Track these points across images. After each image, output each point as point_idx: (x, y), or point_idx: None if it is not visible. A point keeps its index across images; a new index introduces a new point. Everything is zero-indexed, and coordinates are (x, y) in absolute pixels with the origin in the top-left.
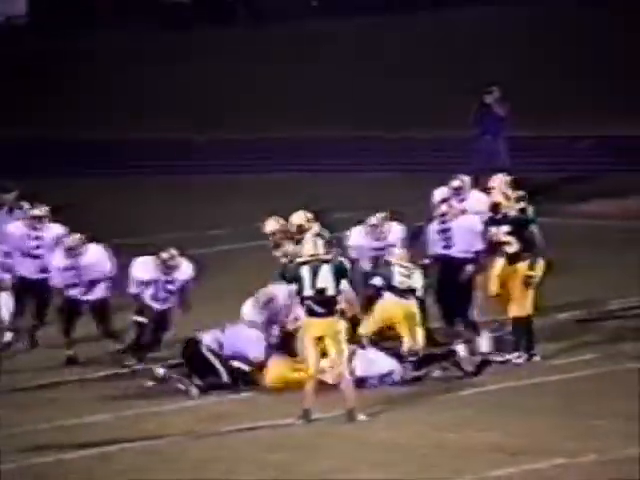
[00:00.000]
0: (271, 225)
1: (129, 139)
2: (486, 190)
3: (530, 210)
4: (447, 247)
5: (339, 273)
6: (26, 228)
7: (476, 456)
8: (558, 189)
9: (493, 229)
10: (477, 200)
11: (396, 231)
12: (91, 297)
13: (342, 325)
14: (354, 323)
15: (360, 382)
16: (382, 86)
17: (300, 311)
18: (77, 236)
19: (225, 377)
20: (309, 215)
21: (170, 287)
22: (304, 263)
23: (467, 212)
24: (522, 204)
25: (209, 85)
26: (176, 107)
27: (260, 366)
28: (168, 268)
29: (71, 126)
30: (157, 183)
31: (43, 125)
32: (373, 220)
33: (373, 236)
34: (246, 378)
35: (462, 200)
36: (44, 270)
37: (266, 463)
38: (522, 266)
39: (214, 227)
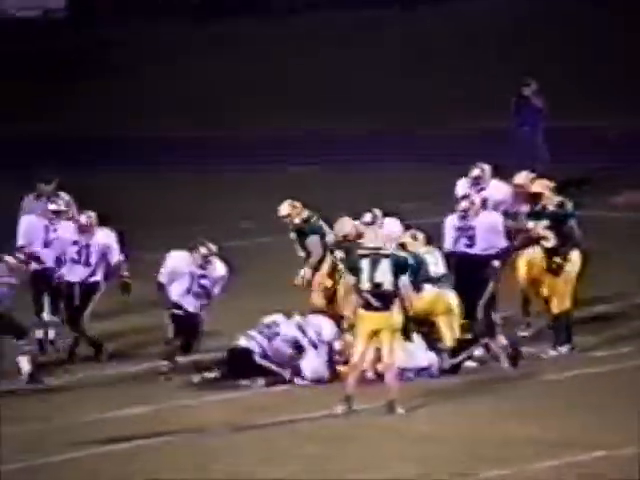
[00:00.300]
0: (285, 209)
1: (161, 135)
2: (516, 187)
3: (569, 204)
4: (469, 246)
5: (398, 268)
6: (46, 221)
7: (516, 449)
8: (591, 181)
9: (531, 223)
10: (497, 189)
11: (390, 227)
12: (88, 280)
13: (398, 319)
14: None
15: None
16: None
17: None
18: (91, 214)
19: (287, 374)
20: (355, 222)
21: (204, 282)
22: (365, 256)
23: (488, 202)
24: (561, 198)
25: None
26: (207, 102)
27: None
28: (205, 263)
29: (104, 122)
30: (188, 178)
31: (77, 121)
32: (367, 218)
33: None
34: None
35: (482, 189)
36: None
37: (304, 455)
38: (560, 260)
39: (246, 220)
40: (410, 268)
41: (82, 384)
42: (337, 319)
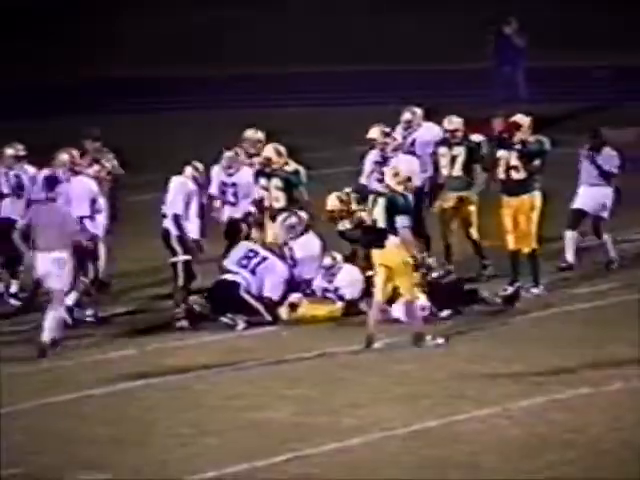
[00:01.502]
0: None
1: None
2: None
3: (547, 142)
4: (381, 181)
5: (390, 207)
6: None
7: (500, 387)
8: (574, 119)
9: (503, 152)
10: (428, 130)
11: (242, 174)
12: None
13: (402, 257)
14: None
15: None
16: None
17: None
18: (20, 147)
19: (268, 316)
20: (281, 148)
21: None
22: (372, 192)
23: (417, 143)
24: (539, 136)
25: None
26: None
27: (271, 304)
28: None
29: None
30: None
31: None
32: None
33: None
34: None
35: (413, 132)
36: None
37: (292, 397)
38: (527, 198)
39: None
40: (406, 209)
41: (67, 327)
42: None
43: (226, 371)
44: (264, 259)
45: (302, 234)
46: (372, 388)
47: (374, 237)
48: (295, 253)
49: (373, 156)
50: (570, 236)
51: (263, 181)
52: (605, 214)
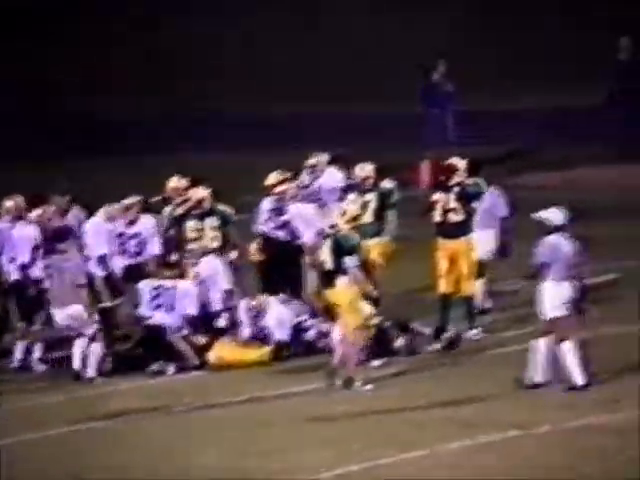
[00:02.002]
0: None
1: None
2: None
3: (484, 185)
4: (278, 228)
5: (337, 248)
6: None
7: (429, 429)
8: (502, 161)
9: (440, 195)
10: (331, 176)
11: (145, 222)
12: None
13: (349, 297)
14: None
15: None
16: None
17: None
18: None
19: (195, 361)
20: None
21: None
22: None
23: (321, 189)
24: (475, 178)
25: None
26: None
27: (190, 323)
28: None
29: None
30: None
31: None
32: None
33: None
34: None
35: (317, 178)
36: None
37: (217, 442)
38: (464, 241)
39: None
40: (353, 249)
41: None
42: None
43: (156, 416)
44: (173, 289)
45: (202, 256)
46: (300, 432)
47: (324, 278)
48: (201, 274)
49: (269, 203)
50: (477, 284)
51: (194, 223)
52: (487, 257)
